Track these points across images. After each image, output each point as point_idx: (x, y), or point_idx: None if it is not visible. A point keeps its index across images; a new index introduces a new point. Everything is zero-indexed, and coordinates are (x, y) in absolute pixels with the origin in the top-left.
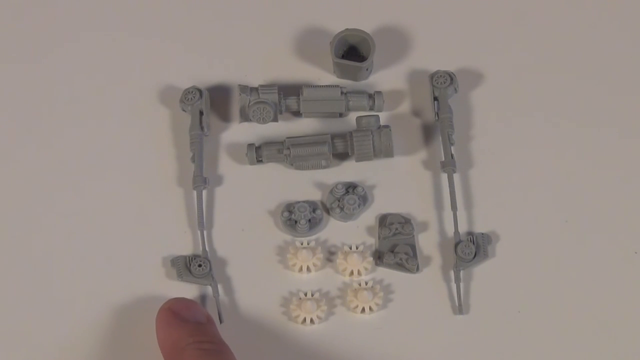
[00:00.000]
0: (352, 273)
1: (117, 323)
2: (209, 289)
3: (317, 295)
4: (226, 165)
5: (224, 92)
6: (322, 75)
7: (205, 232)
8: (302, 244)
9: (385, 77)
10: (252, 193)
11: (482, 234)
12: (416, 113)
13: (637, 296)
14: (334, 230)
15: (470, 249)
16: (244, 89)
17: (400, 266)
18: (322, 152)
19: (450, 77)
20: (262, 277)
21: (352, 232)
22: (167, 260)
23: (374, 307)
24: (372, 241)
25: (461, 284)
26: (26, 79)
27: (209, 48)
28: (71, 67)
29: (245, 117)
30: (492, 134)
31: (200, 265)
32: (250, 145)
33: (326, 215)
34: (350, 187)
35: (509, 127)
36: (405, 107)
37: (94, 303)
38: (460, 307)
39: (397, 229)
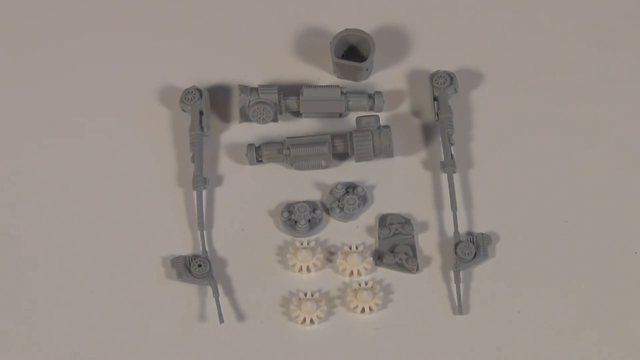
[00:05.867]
0: (352, 273)
1: (117, 323)
2: (209, 289)
3: (317, 295)
4: (226, 165)
5: (224, 92)
6: (322, 75)
7: (205, 232)
8: (302, 244)
9: (385, 77)
10: (252, 193)
11: (482, 234)
12: (416, 113)
13: (637, 296)
14: (334, 230)
15: (470, 249)
16: (244, 89)
17: (400, 266)
18: (322, 152)
19: (450, 77)
20: (262, 277)
21: (352, 232)
22: (167, 260)
23: (374, 307)
24: (372, 241)
25: (461, 284)
26: (26, 79)
27: (209, 48)
28: (71, 67)
29: (245, 117)
30: (492, 134)
31: (200, 265)
32: (250, 145)
33: (326, 215)
34: (350, 187)
35: (509, 127)
36: (405, 107)
37: (94, 302)
38: (460, 307)
39: (397, 229)
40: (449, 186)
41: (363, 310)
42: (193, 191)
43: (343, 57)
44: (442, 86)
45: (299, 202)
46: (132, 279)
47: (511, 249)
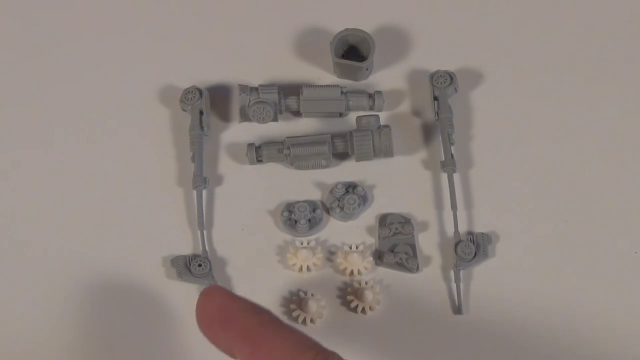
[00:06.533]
0: (352, 273)
1: (117, 323)
2: None
3: (317, 295)
4: (226, 165)
5: (224, 92)
6: (322, 75)
7: (205, 232)
8: (302, 243)
9: (385, 77)
10: (252, 193)
11: (482, 233)
12: (416, 113)
13: (637, 296)
14: (334, 230)
15: (470, 248)
16: (244, 88)
17: (400, 266)
18: (322, 152)
19: (450, 77)
20: (262, 277)
21: (352, 231)
22: (167, 260)
23: (374, 307)
24: (372, 241)
25: (461, 284)
26: (26, 78)
27: (209, 48)
28: (71, 67)
29: (245, 117)
30: (492, 134)
31: (200, 265)
32: (250, 145)
33: (326, 215)
34: (350, 187)
35: (509, 127)
36: (405, 107)
37: (94, 302)
38: (460, 307)
39: (397, 228)
40: (449, 186)
41: (363, 310)
42: (193, 191)
43: (343, 56)
44: (442, 86)
45: (299, 202)
46: (132, 278)
47: (511, 249)
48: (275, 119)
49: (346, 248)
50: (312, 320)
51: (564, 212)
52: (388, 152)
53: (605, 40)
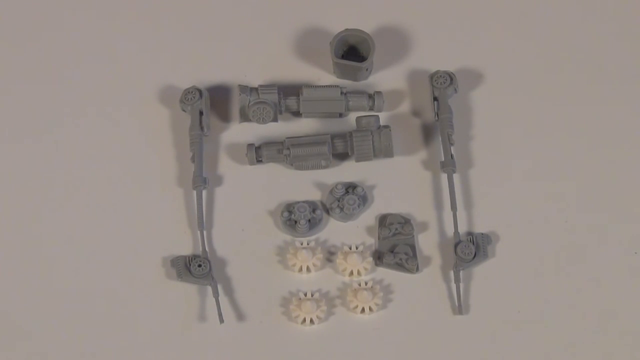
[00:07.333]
0: (352, 273)
1: (117, 323)
2: (209, 289)
3: (317, 295)
4: (226, 165)
5: (224, 92)
6: (322, 75)
7: (205, 232)
8: (302, 244)
9: (385, 77)
10: (252, 193)
11: (482, 234)
12: (416, 113)
13: (637, 296)
14: (334, 230)
15: (470, 249)
16: (244, 89)
17: (400, 266)
18: (322, 152)
19: (450, 77)
20: (262, 277)
21: (352, 232)
22: (167, 260)
23: (374, 307)
24: (372, 241)
25: (461, 284)
26: (26, 79)
27: (209, 48)
28: (71, 67)
29: (245, 117)
30: (492, 134)
31: (200, 265)
32: (250, 145)
33: (326, 215)
34: (350, 187)
35: (509, 127)
36: (405, 107)
37: (94, 303)
38: (460, 307)
39: (397, 229)
40: (449, 186)
41: (363, 310)
42: (193, 191)
43: (343, 57)
44: (442, 86)
45: (299, 202)
46: (132, 279)
47: (511, 249)
48: (275, 119)
49: (346, 248)
50: (312, 321)
51: (564, 212)
52: (388, 153)
53: (605, 40)
